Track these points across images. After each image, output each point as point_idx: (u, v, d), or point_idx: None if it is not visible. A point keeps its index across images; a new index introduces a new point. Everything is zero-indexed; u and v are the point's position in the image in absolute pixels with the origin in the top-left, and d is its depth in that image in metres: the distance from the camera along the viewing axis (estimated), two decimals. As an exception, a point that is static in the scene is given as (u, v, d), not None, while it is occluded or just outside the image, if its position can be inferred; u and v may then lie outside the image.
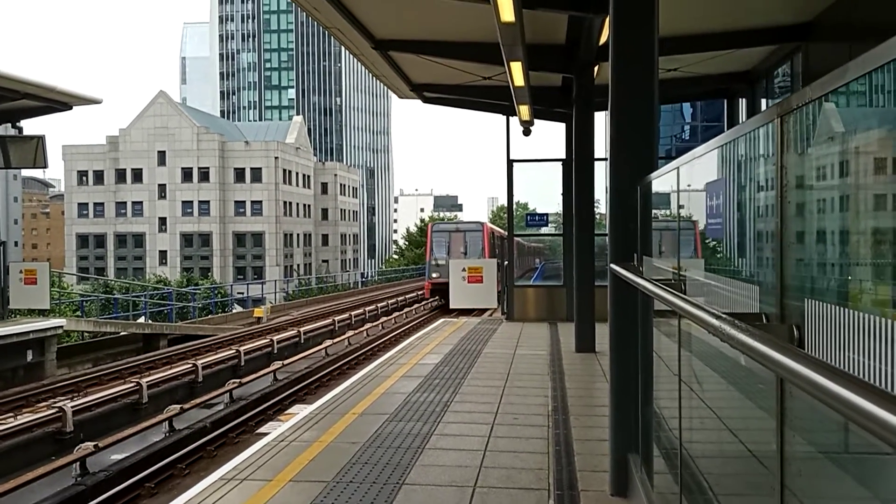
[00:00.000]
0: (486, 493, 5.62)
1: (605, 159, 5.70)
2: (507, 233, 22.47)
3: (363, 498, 5.52)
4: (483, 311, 25.91)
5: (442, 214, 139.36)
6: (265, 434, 8.08)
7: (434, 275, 37.57)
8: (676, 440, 3.68)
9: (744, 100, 15.63)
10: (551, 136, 18.89)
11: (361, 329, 26.47)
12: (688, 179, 3.44)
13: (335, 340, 22.89)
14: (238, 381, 15.12)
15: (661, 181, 4.39)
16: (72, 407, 12.50)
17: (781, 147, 1.96)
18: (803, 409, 1.88)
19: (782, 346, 1.44)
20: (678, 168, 3.54)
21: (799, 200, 1.99)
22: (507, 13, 8.40)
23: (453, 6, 10.53)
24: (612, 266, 5.13)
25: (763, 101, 14.48)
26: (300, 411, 8.90)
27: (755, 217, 2.60)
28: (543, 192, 19.01)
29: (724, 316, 1.97)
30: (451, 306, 18.71)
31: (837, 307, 1.69)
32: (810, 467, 1.95)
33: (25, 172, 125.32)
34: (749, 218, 2.65)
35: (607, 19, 6.84)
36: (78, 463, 9.71)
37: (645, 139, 5.51)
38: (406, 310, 34.73)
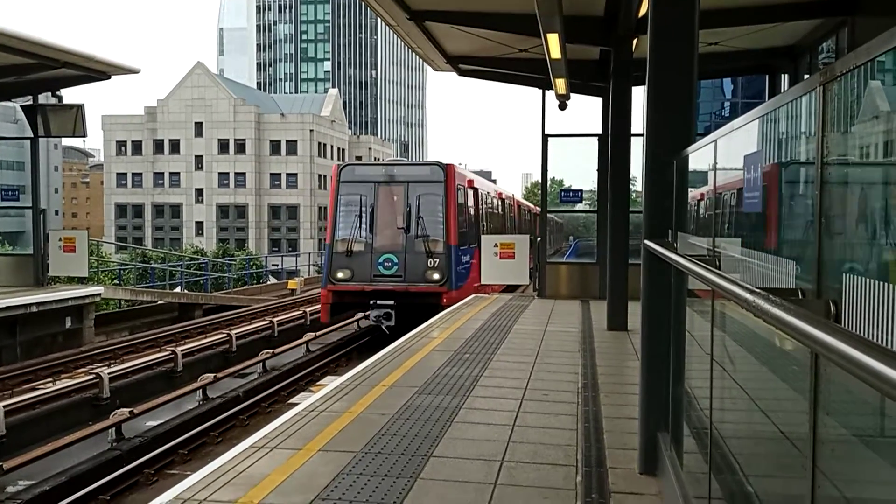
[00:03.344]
0: (513, 467, 5.62)
1: (642, 135, 5.60)
2: (534, 205, 21.72)
3: (391, 468, 5.54)
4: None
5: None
6: (296, 404, 8.15)
7: (339, 274, 18.02)
8: (707, 420, 3.63)
9: (786, 76, 15.29)
10: (588, 111, 18.57)
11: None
12: (726, 153, 3.35)
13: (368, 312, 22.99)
14: (271, 351, 15.27)
15: (698, 156, 4.30)
16: (108, 374, 12.73)
17: (824, 117, 1.88)
18: (837, 388, 1.83)
19: (817, 320, 1.39)
20: (716, 141, 3.45)
21: (839, 172, 1.92)
22: (545, -16, 8.26)
23: (490, -23, 10.39)
24: (647, 242, 5.05)
25: (806, 78, 14.16)
26: (331, 382, 8.96)
27: (793, 191, 2.52)
28: (578, 168, 18.79)
29: (757, 290, 1.91)
30: (483, 282, 18.68)
31: (877, 283, 1.62)
32: (843, 448, 1.89)
33: (66, 142, 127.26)
34: (787, 191, 2.57)
35: (647, -10, 6.70)
36: (114, 428, 9.90)
37: (682, 114, 5.40)
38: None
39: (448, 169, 18.52)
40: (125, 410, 10.25)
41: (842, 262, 1.91)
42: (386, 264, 17.83)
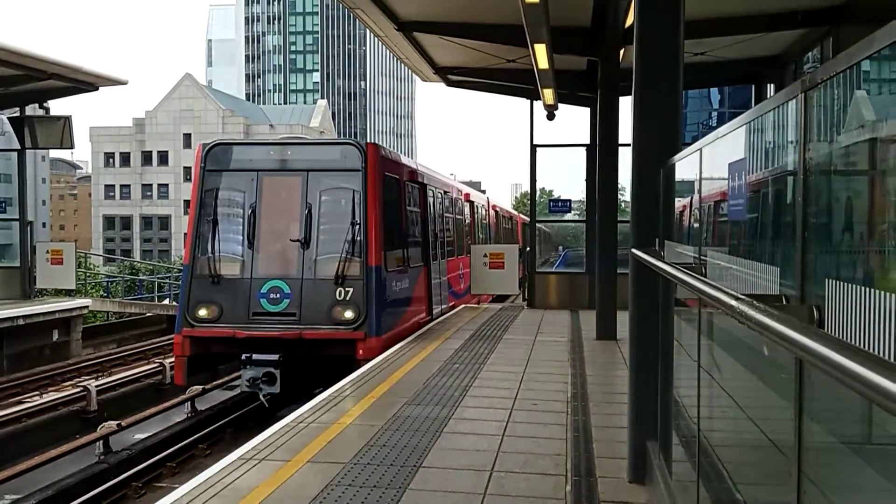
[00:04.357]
0: (503, 477, 5.60)
1: (630, 145, 5.65)
2: (518, 213, 19.85)
3: (380, 479, 5.52)
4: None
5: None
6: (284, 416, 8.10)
7: (201, 311, 11.77)
8: (695, 428, 3.63)
9: (772, 85, 15.40)
10: (576, 121, 18.59)
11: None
12: (711, 161, 3.37)
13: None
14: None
15: (684, 165, 4.32)
16: (96, 386, 12.67)
17: (806, 124, 1.90)
18: (822, 394, 1.83)
19: (800, 326, 1.39)
20: (701, 149, 3.47)
21: (822, 180, 1.93)
22: (532, -5, 8.30)
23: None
24: (634, 251, 5.07)
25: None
26: (320, 394, 8.93)
27: (776, 198, 2.53)
28: (567, 178, 18.82)
29: (742, 297, 1.92)
30: (473, 292, 18.61)
31: (859, 288, 1.63)
32: (828, 454, 1.90)
33: (53, 153, 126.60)
34: (771, 199, 2.58)
35: (633, 1, 6.75)
36: (101, 441, 9.82)
37: (669, 123, 5.43)
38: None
39: (369, 151, 12.00)
40: (113, 423, 10.17)
41: (825, 268, 1.92)
42: (272, 297, 11.53)
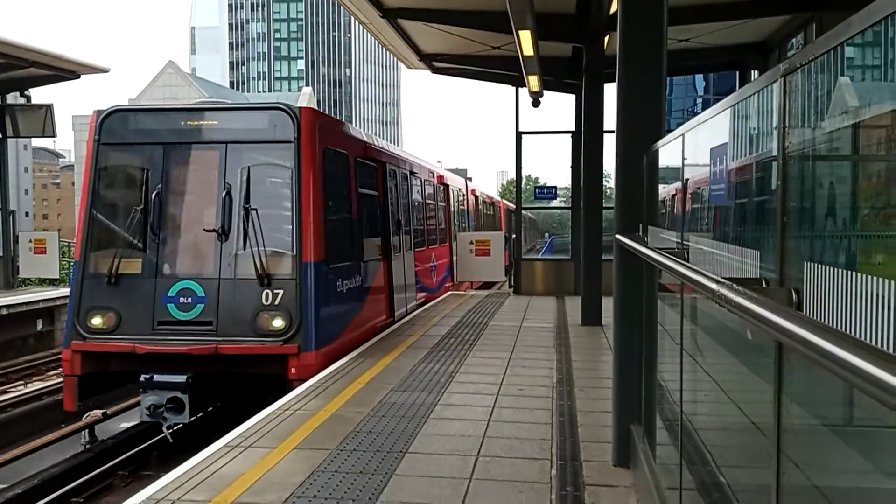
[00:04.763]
0: (489, 461, 5.63)
1: (614, 131, 5.68)
2: (503, 199, 18.59)
3: (366, 465, 5.53)
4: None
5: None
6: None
7: (95, 320, 9.42)
8: (678, 411, 3.67)
9: (756, 72, 15.45)
10: (561, 108, 18.55)
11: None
12: (693, 147, 3.38)
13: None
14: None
15: (668, 150, 4.34)
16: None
17: (785, 108, 1.91)
18: (800, 376, 1.86)
19: (778, 308, 1.41)
20: (683, 135, 3.48)
21: (801, 164, 1.95)
22: (516, -19, 8.29)
23: (462, -26, 10.41)
24: (618, 237, 5.09)
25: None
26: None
27: (756, 182, 2.55)
28: (553, 165, 18.86)
29: (722, 280, 1.94)
30: (458, 280, 18.61)
31: (835, 270, 1.65)
32: (807, 435, 1.92)
33: (36, 142, 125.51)
34: (751, 182, 2.60)
35: (617, -13, 6.75)
36: (87, 430, 9.80)
37: (652, 109, 5.45)
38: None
39: (304, 118, 9.67)
40: (98, 412, 10.14)
41: (803, 251, 1.94)
42: (182, 301, 9.30)
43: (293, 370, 9.01)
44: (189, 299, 9.25)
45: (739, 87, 16.73)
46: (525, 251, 20.31)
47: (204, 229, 9.51)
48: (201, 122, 9.95)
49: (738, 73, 16.96)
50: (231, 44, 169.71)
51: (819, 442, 1.92)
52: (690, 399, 3.57)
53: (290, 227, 9.50)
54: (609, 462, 5.48)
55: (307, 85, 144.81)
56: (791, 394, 1.90)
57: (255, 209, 9.38)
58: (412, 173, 15.54)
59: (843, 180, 1.91)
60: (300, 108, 9.78)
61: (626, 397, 5.32)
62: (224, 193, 9.45)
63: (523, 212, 18.97)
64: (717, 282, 1.95)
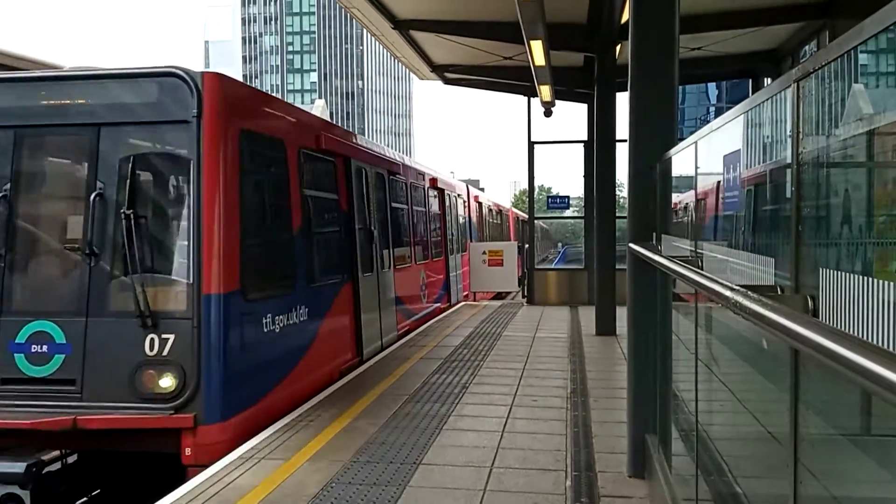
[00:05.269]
0: (502, 473, 5.60)
1: (627, 140, 5.67)
2: (514, 209, 18.06)
3: (380, 477, 5.51)
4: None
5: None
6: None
7: None
8: (694, 421, 3.63)
9: (769, 80, 15.40)
10: (573, 118, 18.54)
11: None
12: (706, 154, 3.37)
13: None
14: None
15: (680, 159, 4.32)
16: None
17: (799, 113, 1.89)
18: (816, 383, 1.83)
19: (794, 314, 1.39)
20: (696, 143, 3.47)
21: (815, 170, 1.93)
22: (527, -9, 8.30)
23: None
24: (631, 245, 5.07)
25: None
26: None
27: (770, 188, 2.53)
28: (565, 175, 18.87)
29: (736, 288, 1.92)
30: (472, 289, 18.58)
31: (852, 276, 1.63)
32: (824, 443, 1.89)
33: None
34: (764, 189, 2.58)
35: (628, -4, 6.75)
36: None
37: (665, 117, 5.43)
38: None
39: (208, 86, 6.73)
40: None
41: (819, 258, 1.92)
42: (34, 351, 6.58)
43: (187, 451, 6.31)
44: (44, 348, 6.53)
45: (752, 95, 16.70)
46: (538, 261, 20.26)
47: (65, 246, 6.97)
48: (68, 96, 7.03)
49: (750, 81, 16.91)
50: (244, 57, 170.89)
51: (837, 451, 1.89)
52: (706, 409, 3.54)
53: (187, 243, 6.65)
54: (624, 473, 5.44)
55: (320, 97, 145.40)
56: (807, 402, 1.88)
57: (141, 217, 6.62)
58: (392, 173, 12.63)
59: (858, 187, 1.90)
60: (202, 72, 6.81)
61: (641, 407, 5.28)
62: (94, 195, 6.65)
63: (536, 222, 18.75)
64: (732, 289, 1.93)
